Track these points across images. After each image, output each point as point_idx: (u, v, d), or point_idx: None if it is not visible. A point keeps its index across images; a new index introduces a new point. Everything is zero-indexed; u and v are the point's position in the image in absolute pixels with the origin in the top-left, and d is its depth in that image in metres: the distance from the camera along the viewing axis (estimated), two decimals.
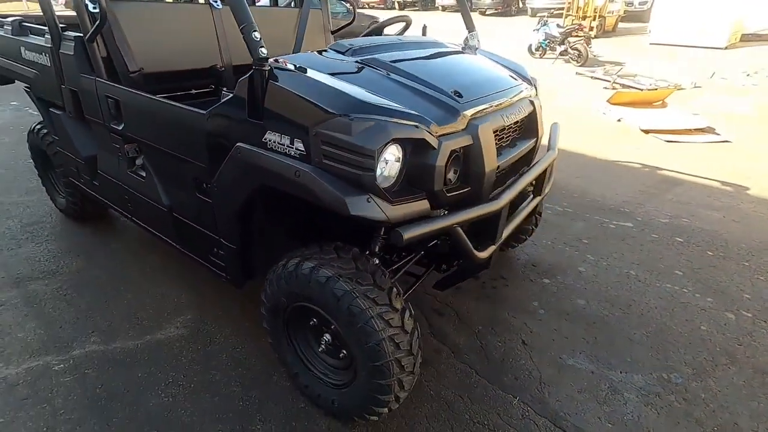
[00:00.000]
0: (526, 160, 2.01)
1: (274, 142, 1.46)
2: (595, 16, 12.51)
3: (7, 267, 2.69)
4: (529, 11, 17.05)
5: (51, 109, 2.61)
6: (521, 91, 1.93)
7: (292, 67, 1.45)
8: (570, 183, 4.12)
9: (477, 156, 1.54)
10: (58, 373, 1.96)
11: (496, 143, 1.69)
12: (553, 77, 8.79)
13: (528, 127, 1.98)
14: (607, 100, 6.34)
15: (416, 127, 1.38)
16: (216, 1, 2.45)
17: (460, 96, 1.60)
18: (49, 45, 2.30)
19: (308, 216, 1.82)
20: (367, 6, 24.15)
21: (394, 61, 1.71)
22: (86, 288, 2.52)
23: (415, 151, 1.42)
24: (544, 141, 2.23)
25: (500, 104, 1.73)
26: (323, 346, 1.75)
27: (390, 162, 1.39)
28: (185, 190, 1.95)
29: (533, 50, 10.49)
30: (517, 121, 1.84)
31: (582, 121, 6.08)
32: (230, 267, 1.91)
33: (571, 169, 4.44)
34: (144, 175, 2.16)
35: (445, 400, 1.91)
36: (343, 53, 1.75)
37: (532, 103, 1.96)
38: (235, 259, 1.86)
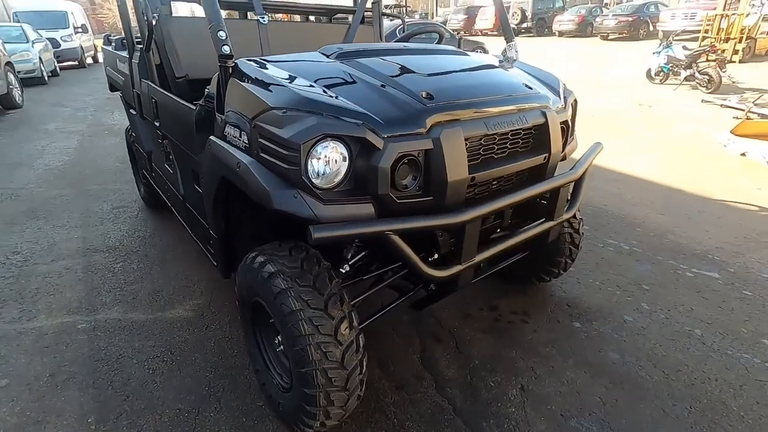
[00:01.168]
0: (531, 177, 1.77)
1: (231, 134, 1.51)
2: (741, 38, 10.72)
3: (86, 239, 3.20)
4: (660, 34, 15.31)
5: (130, 111, 3.08)
6: (528, 101, 1.72)
7: (253, 63, 1.50)
8: (649, 219, 3.52)
9: (438, 163, 1.40)
10: (78, 331, 2.24)
11: (478, 153, 1.53)
12: (673, 104, 7.70)
13: (537, 140, 1.75)
14: (731, 131, 5.32)
15: (357, 125, 1.31)
16: (263, 18, 2.66)
17: (431, 98, 1.48)
18: (128, 55, 2.74)
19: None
20: (479, 33, 24.13)
21: (375, 64, 1.66)
22: (132, 264, 2.87)
23: (362, 151, 1.35)
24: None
25: (487, 111, 1.56)
26: (281, 346, 1.72)
27: (337, 160, 1.33)
28: (190, 180, 2.12)
29: (652, 75, 9.33)
30: (514, 132, 1.64)
31: (695, 153, 5.19)
32: (217, 256, 2.01)
33: (657, 204, 3.80)
34: (172, 167, 2.41)
35: (407, 431, 1.72)
36: (327, 56, 1.75)
37: (544, 114, 1.73)
38: (219, 248, 1.95)
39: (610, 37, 17.79)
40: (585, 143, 2.23)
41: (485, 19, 23.80)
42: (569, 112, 1.97)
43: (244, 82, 1.47)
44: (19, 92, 8.17)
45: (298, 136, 1.25)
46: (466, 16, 24.57)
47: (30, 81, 10.18)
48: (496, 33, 23.70)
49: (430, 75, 1.66)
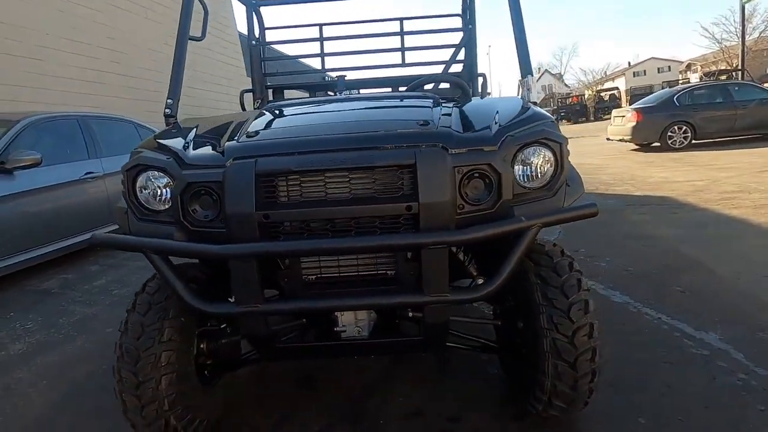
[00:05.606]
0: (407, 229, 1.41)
1: None
2: None
3: None
4: None
5: None
6: (390, 140, 1.45)
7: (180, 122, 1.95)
8: None
9: (222, 195, 1.43)
10: None
11: (294, 191, 1.44)
12: None
13: (403, 185, 1.41)
14: None
15: (166, 159, 1.52)
16: (341, 94, 3.06)
17: (255, 135, 1.54)
18: None
19: None
20: None
21: (277, 115, 1.88)
22: None
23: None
24: None
25: (308, 149, 1.45)
26: None
27: (165, 187, 1.56)
28: None
29: None
30: (356, 171, 1.42)
31: None
32: None
33: None
34: None
35: None
36: (261, 109, 2.01)
37: (415, 155, 1.38)
38: None
39: None
40: None
41: None
42: (507, 155, 1.43)
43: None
44: None
45: (125, 166, 1.59)
46: None
47: None
48: None
49: (305, 120, 1.70)
